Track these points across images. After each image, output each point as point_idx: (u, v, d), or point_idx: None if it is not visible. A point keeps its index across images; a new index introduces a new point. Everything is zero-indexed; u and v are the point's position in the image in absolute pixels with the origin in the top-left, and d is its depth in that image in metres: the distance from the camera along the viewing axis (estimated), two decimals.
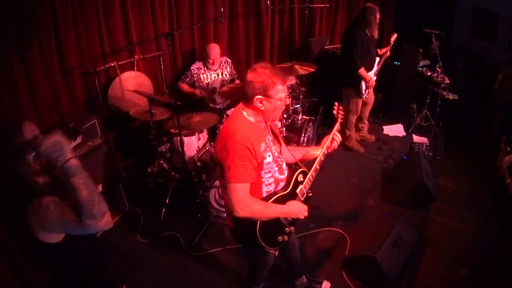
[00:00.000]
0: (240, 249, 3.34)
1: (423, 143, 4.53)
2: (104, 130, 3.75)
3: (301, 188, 2.21)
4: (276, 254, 2.39)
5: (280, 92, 1.99)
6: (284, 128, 3.94)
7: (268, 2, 4.75)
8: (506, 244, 3.05)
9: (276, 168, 2.12)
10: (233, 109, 4.08)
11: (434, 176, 4.20)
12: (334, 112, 2.36)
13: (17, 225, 1.60)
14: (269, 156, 2.05)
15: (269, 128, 2.17)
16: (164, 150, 3.81)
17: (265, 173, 2.06)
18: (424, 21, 4.83)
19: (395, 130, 5.33)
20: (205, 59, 4.32)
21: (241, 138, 1.92)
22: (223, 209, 3.71)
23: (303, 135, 4.13)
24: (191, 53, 4.70)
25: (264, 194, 2.10)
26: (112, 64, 3.95)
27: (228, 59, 4.54)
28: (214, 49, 4.23)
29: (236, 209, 1.93)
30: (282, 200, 2.10)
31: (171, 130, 3.83)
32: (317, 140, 4.71)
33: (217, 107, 4.35)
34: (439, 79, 4.78)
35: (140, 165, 4.51)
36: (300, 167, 2.24)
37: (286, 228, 2.20)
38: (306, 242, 3.43)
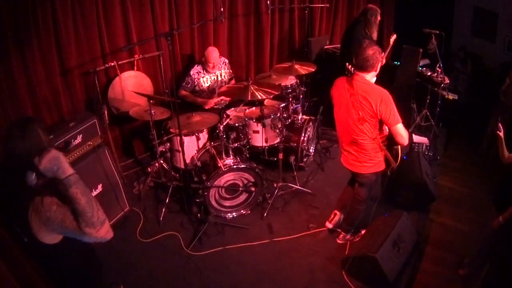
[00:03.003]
0: (240, 249, 3.36)
1: (423, 143, 4.52)
2: (104, 130, 3.74)
3: None
4: None
5: None
6: (284, 128, 3.95)
7: (268, 2, 4.75)
8: (506, 243, 3.05)
9: None
10: (232, 108, 4.08)
11: (434, 176, 4.20)
12: None
13: (17, 224, 1.62)
14: None
15: None
16: (164, 150, 3.81)
17: None
18: (424, 21, 4.83)
19: None
20: (204, 63, 4.30)
21: (387, 93, 2.61)
22: (223, 209, 3.72)
23: (303, 135, 4.13)
24: (191, 53, 4.70)
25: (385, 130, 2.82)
26: (112, 64, 3.95)
27: (225, 60, 4.54)
28: (213, 53, 4.22)
29: (407, 140, 2.67)
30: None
31: (171, 129, 3.82)
32: (317, 140, 4.71)
33: (216, 107, 4.35)
34: (439, 79, 4.78)
35: (140, 165, 4.53)
36: None
37: (396, 146, 2.91)
38: (306, 242, 3.44)
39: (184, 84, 4.33)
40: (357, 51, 2.67)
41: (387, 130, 2.78)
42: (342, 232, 3.43)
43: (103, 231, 1.58)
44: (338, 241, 3.44)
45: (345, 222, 3.41)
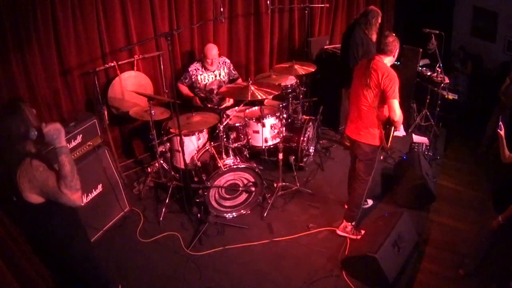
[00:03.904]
0: (240, 249, 3.36)
1: (423, 143, 4.53)
2: (104, 130, 3.74)
3: None
4: None
5: None
6: (284, 128, 3.95)
7: (268, 2, 4.75)
8: (505, 243, 3.05)
9: None
10: (233, 108, 4.09)
11: (434, 176, 4.20)
12: None
13: (7, 184, 1.89)
14: None
15: None
16: (164, 150, 3.81)
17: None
18: (424, 21, 4.83)
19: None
20: (203, 59, 4.30)
21: (395, 74, 2.98)
22: (223, 209, 3.72)
23: (303, 134, 4.14)
24: (191, 53, 4.70)
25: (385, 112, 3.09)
26: (112, 64, 3.95)
27: (226, 60, 4.53)
28: (212, 50, 4.22)
29: (398, 118, 2.97)
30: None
31: (171, 129, 3.82)
32: (317, 140, 4.71)
33: (215, 107, 4.35)
34: (439, 79, 4.79)
35: (140, 165, 4.53)
36: None
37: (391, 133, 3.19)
38: (306, 242, 3.44)
39: (182, 78, 4.35)
40: (379, 40, 3.16)
41: (387, 113, 3.06)
42: (344, 221, 3.47)
43: (76, 196, 1.95)
44: (338, 232, 3.50)
45: (348, 208, 3.50)
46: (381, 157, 3.27)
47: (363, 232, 3.43)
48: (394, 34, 3.08)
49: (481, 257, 3.08)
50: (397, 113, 2.95)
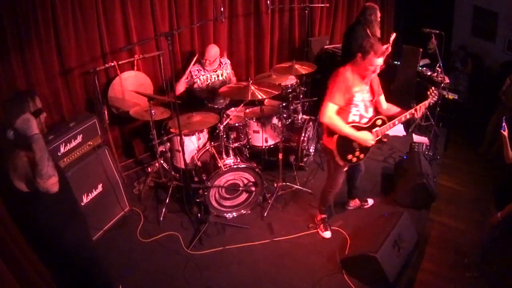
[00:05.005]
0: (240, 249, 3.36)
1: (423, 143, 4.53)
2: (104, 130, 3.74)
3: (376, 130, 3.03)
4: (345, 169, 3.21)
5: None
6: (284, 128, 3.95)
7: (268, 2, 4.75)
8: (504, 240, 3.06)
9: (363, 107, 2.97)
10: (233, 109, 4.09)
11: (434, 176, 4.20)
12: (428, 92, 3.10)
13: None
14: (359, 96, 2.91)
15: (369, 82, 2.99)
16: (164, 149, 3.81)
17: (352, 106, 2.93)
18: (424, 21, 4.83)
19: (395, 129, 5.30)
20: (202, 59, 4.31)
21: (340, 72, 2.90)
22: (223, 209, 3.72)
23: (303, 134, 4.13)
24: (191, 53, 4.69)
25: (350, 120, 2.97)
26: (112, 64, 3.95)
27: (227, 60, 4.54)
28: (211, 50, 4.21)
29: (322, 119, 2.89)
30: (358, 128, 2.96)
31: (171, 129, 3.82)
32: (317, 139, 4.71)
33: (216, 107, 4.35)
34: (439, 78, 4.78)
35: (140, 165, 4.53)
36: (381, 116, 3.05)
37: (356, 152, 3.03)
38: (306, 242, 3.44)
39: (184, 77, 4.32)
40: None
41: (351, 118, 2.99)
42: (318, 210, 3.59)
43: (48, 184, 1.98)
44: (310, 225, 3.61)
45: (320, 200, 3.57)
46: (341, 163, 3.07)
47: (329, 232, 3.50)
48: (373, 39, 3.00)
49: (480, 255, 3.08)
50: (323, 114, 2.87)
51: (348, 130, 2.90)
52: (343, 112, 2.93)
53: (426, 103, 3.08)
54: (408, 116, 3.04)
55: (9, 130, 1.97)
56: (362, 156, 3.09)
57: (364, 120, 3.02)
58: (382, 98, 3.14)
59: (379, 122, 3.04)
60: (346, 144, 2.97)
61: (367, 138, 2.96)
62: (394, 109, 3.17)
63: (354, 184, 3.68)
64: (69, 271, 2.38)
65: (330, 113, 2.87)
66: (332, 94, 2.87)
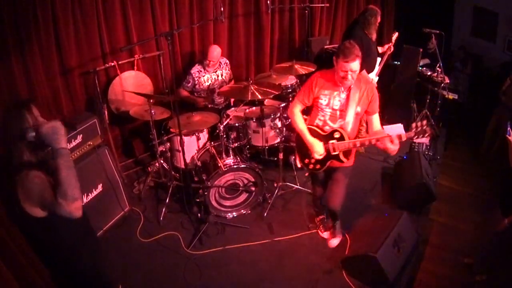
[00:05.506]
0: (240, 249, 3.36)
1: (423, 143, 4.52)
2: (104, 130, 3.74)
3: (332, 143, 2.81)
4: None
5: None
6: (284, 128, 3.95)
7: (268, 2, 4.74)
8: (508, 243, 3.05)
9: (329, 114, 2.82)
10: (233, 108, 4.09)
11: (434, 176, 4.20)
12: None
13: (10, 198, 1.73)
14: (325, 100, 2.79)
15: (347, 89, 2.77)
16: (164, 149, 3.81)
17: (319, 110, 2.84)
18: (424, 21, 4.83)
19: (395, 129, 5.27)
20: (203, 60, 4.30)
21: (313, 78, 2.82)
22: (223, 209, 3.72)
23: None
24: (191, 53, 4.70)
25: (315, 123, 2.90)
26: (112, 64, 3.95)
27: (227, 60, 4.54)
28: (214, 52, 4.21)
29: (289, 114, 2.97)
30: (313, 133, 2.85)
31: (171, 129, 3.82)
32: None
33: (216, 107, 4.35)
34: (439, 78, 4.78)
35: (140, 165, 4.53)
36: (340, 130, 2.79)
37: (312, 159, 2.90)
38: (306, 242, 3.44)
39: (184, 82, 4.32)
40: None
41: (320, 122, 2.90)
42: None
43: (72, 207, 1.68)
44: (310, 225, 3.62)
45: None
46: (299, 165, 3.08)
47: (325, 233, 3.50)
48: (351, 41, 2.67)
49: (486, 260, 3.07)
50: (289, 112, 2.96)
51: (301, 128, 2.85)
52: (312, 113, 2.94)
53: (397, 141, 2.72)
54: (367, 143, 2.75)
55: (30, 130, 1.71)
56: (318, 166, 2.93)
57: (327, 128, 2.84)
58: (374, 117, 2.83)
59: (337, 135, 2.80)
60: (303, 145, 2.90)
61: (316, 148, 2.78)
62: (378, 132, 2.85)
63: (323, 202, 3.31)
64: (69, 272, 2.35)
65: (293, 108, 2.92)
66: (299, 91, 2.95)
